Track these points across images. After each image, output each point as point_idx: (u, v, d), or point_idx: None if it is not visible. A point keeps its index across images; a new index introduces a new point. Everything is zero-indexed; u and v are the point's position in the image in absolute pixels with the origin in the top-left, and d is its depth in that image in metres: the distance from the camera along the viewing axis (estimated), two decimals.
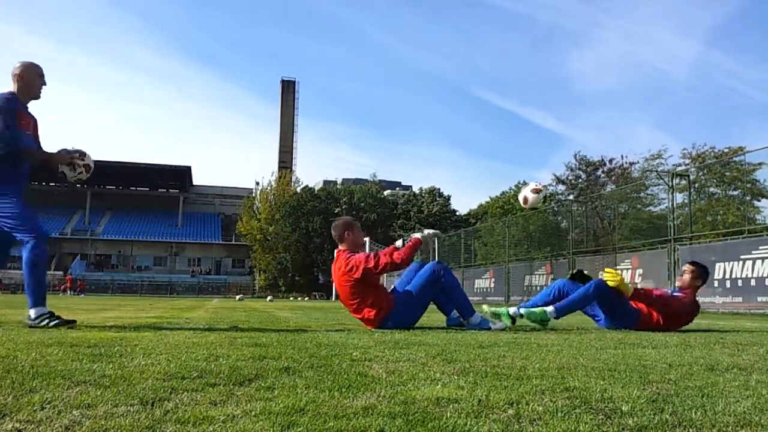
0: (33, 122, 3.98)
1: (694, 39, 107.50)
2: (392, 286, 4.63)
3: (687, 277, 4.65)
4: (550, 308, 4.35)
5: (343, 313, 6.97)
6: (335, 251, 4.38)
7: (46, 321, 3.69)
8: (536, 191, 4.68)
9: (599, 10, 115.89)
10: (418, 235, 4.39)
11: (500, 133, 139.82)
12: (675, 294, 4.59)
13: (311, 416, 1.24)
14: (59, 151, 4.04)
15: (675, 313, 4.49)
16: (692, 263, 4.77)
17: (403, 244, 4.41)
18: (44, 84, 3.95)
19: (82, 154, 4.06)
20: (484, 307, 4.83)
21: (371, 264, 4.11)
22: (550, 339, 3.38)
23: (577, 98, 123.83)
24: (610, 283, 4.38)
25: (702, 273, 4.66)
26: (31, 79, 3.89)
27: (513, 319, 4.49)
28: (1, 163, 3.72)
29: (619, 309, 4.46)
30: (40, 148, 4.05)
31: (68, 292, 33.76)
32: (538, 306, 4.46)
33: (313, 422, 1.19)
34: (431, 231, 4.55)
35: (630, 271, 14.55)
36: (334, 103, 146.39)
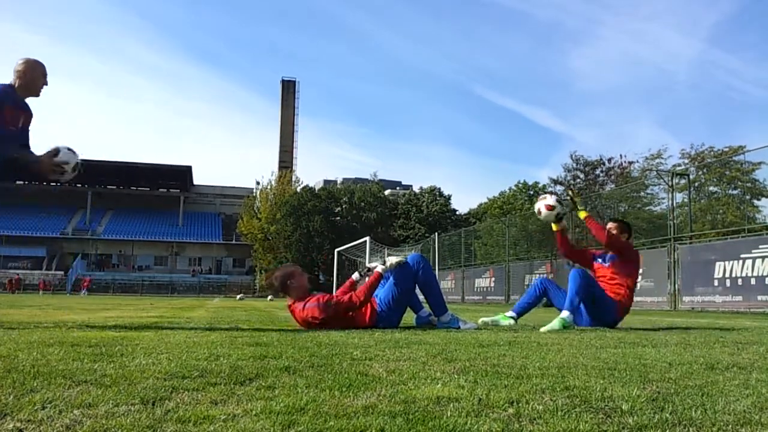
0: (25, 116, 3.85)
1: (695, 37, 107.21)
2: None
3: (613, 234, 4.79)
4: (510, 312, 4.69)
5: None
6: (287, 306, 4.04)
7: None
8: (550, 208, 4.74)
9: (600, 8, 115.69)
10: (380, 269, 4.05)
11: (501, 132, 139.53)
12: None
13: (312, 415, 1.24)
14: (43, 155, 3.78)
15: (620, 254, 4.65)
16: (613, 220, 5.01)
17: (361, 277, 4.15)
18: (46, 84, 3.86)
19: (62, 161, 3.77)
20: (482, 320, 4.68)
21: (326, 313, 3.80)
22: (550, 338, 3.39)
23: (578, 96, 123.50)
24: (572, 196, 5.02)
25: (624, 226, 4.88)
26: (33, 77, 3.82)
27: (514, 319, 4.68)
28: None
29: (599, 302, 4.48)
30: (27, 143, 3.89)
31: (39, 292, 33.61)
32: (524, 308, 4.73)
33: (314, 421, 1.19)
34: (395, 260, 4.16)
35: None
36: (335, 101, 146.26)
